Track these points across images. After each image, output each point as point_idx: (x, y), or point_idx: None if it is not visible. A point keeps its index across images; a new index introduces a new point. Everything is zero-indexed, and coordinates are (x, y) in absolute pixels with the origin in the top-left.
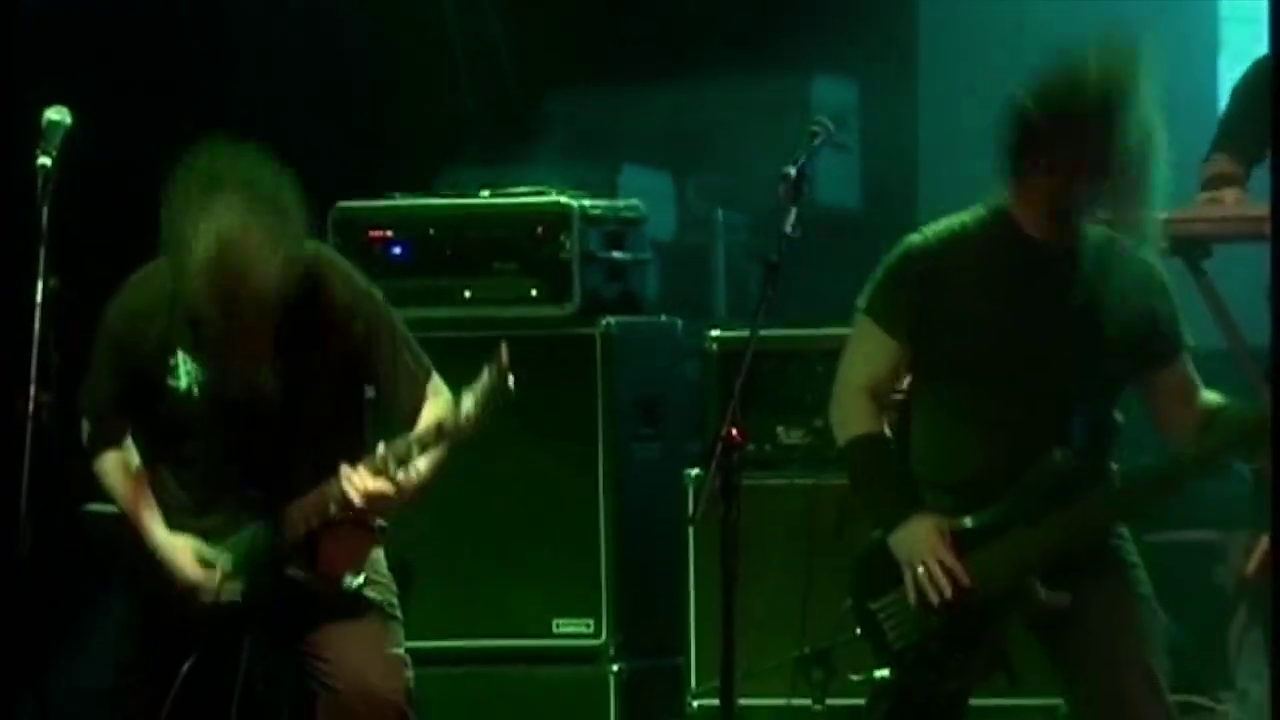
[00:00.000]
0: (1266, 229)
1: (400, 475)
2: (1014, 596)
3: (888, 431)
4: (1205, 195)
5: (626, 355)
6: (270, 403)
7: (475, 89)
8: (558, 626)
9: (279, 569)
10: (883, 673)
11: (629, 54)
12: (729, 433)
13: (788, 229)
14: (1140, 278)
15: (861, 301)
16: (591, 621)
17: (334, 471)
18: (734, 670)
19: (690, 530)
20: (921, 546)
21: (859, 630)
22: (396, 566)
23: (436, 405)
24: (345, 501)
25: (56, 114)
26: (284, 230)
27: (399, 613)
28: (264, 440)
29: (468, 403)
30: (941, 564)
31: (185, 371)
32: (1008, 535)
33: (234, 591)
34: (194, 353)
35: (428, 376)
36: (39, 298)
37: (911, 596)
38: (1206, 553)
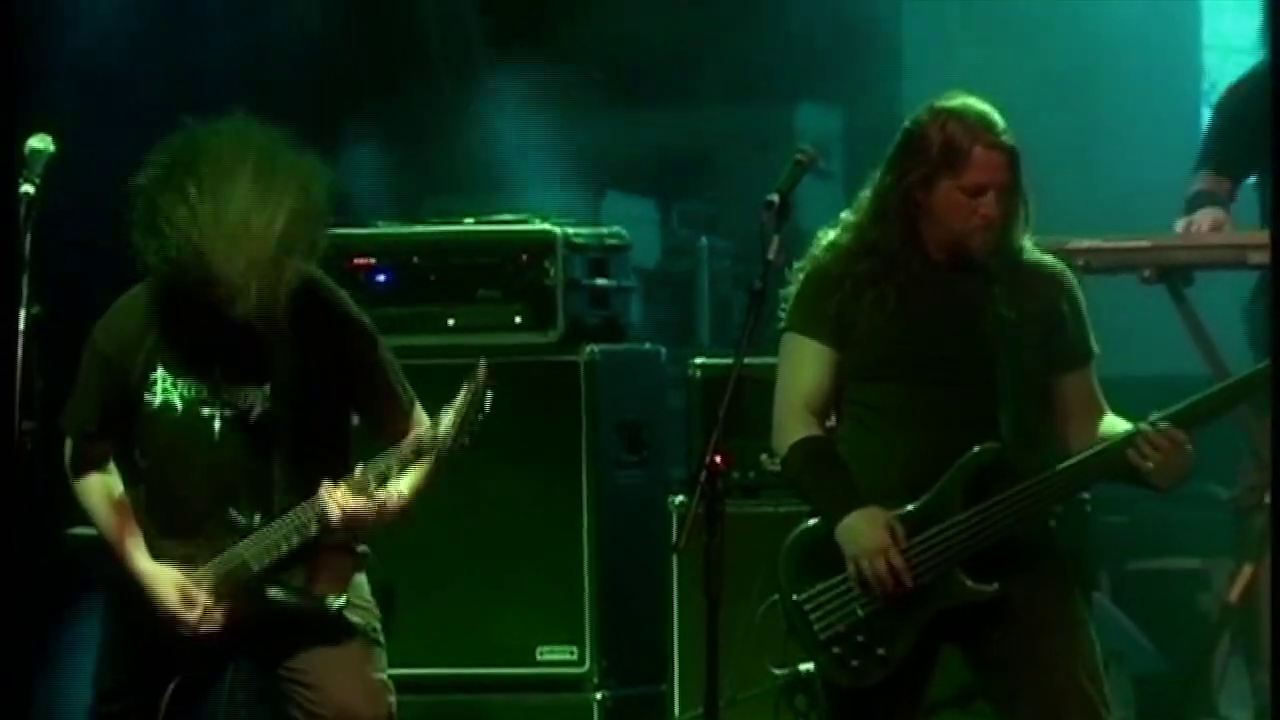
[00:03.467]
0: (1248, 256)
1: (380, 494)
2: (939, 586)
3: (825, 433)
4: (1184, 219)
5: (610, 382)
6: (256, 423)
7: (461, 112)
8: (541, 654)
9: (261, 590)
10: (807, 665)
11: (615, 81)
12: (713, 460)
13: (771, 256)
14: (1048, 281)
15: (784, 323)
16: (575, 649)
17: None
18: (718, 697)
19: (674, 557)
20: (866, 541)
21: (787, 625)
22: (379, 592)
23: (417, 431)
24: (325, 520)
25: (39, 142)
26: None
27: (381, 637)
28: (247, 461)
29: (445, 420)
30: (887, 559)
31: (164, 389)
32: (936, 525)
33: (215, 622)
34: (178, 371)
35: (412, 405)
36: (21, 325)
37: (855, 587)
38: (1190, 581)
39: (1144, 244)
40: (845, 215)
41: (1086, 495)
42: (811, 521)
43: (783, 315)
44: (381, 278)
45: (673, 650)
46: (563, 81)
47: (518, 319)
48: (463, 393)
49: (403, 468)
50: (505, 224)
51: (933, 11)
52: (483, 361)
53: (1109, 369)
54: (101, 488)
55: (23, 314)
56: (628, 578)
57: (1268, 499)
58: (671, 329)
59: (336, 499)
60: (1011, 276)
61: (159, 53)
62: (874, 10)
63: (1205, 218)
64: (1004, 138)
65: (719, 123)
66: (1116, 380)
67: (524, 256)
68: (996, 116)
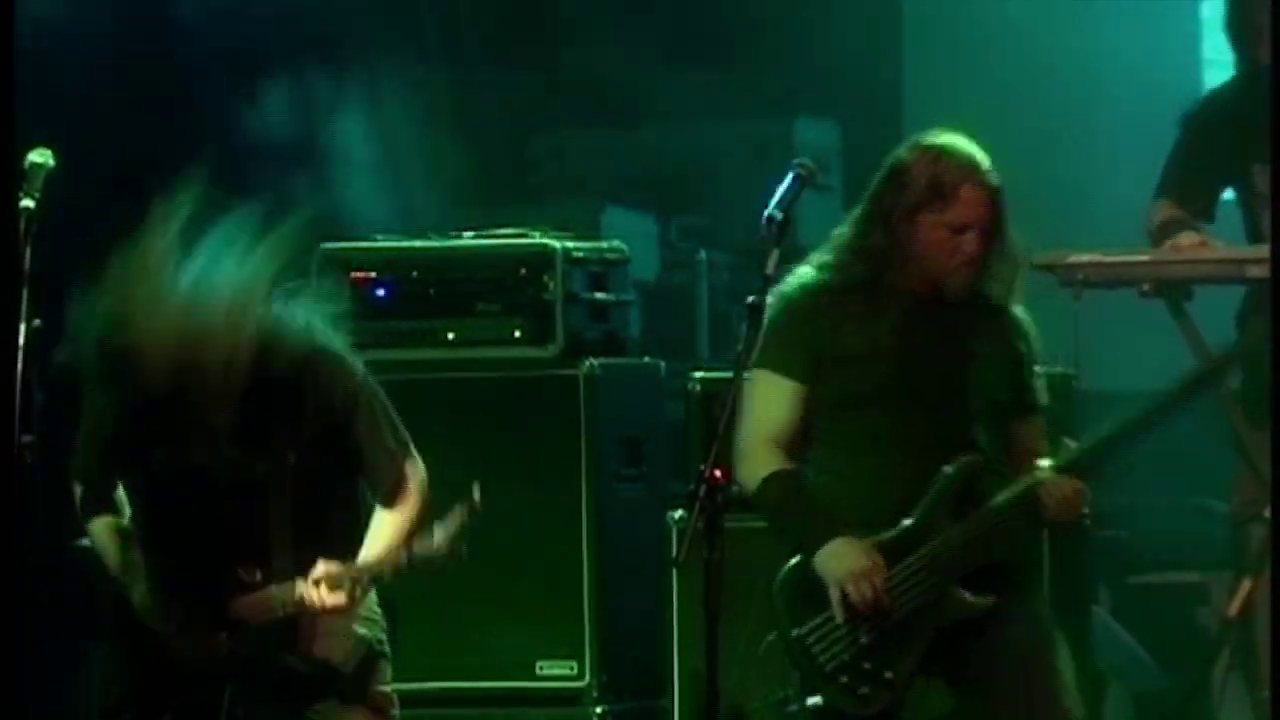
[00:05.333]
0: (1247, 270)
1: (355, 593)
2: (936, 603)
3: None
4: (1169, 242)
5: (609, 396)
6: (252, 482)
7: (460, 129)
8: (541, 668)
9: (265, 646)
10: (815, 700)
11: (612, 95)
12: (712, 474)
13: (770, 270)
14: (1015, 327)
15: (755, 358)
16: (575, 663)
17: (317, 550)
18: (718, 712)
19: (673, 571)
20: (848, 563)
21: (789, 660)
22: (381, 606)
23: (404, 504)
24: (306, 608)
25: (39, 156)
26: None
27: (388, 649)
28: (247, 520)
29: (439, 537)
30: (870, 580)
31: (165, 446)
32: (926, 543)
33: (219, 647)
34: (178, 431)
35: (405, 453)
36: (21, 339)
37: (839, 615)
38: (1189, 595)
39: (1143, 258)
40: (821, 252)
41: (1086, 510)
42: (796, 559)
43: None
44: (381, 292)
45: (672, 664)
46: (564, 95)
47: (517, 333)
48: (456, 514)
49: (394, 573)
50: (504, 238)
51: (933, 27)
52: (476, 487)
53: (1108, 383)
54: (110, 526)
55: (22, 328)
56: (627, 592)
57: (1266, 513)
58: (671, 343)
59: (314, 594)
60: (983, 315)
61: (154, 67)
62: (873, 26)
63: (1184, 239)
64: (990, 177)
65: (718, 137)
66: (1116, 395)
67: (523, 270)
68: (983, 156)
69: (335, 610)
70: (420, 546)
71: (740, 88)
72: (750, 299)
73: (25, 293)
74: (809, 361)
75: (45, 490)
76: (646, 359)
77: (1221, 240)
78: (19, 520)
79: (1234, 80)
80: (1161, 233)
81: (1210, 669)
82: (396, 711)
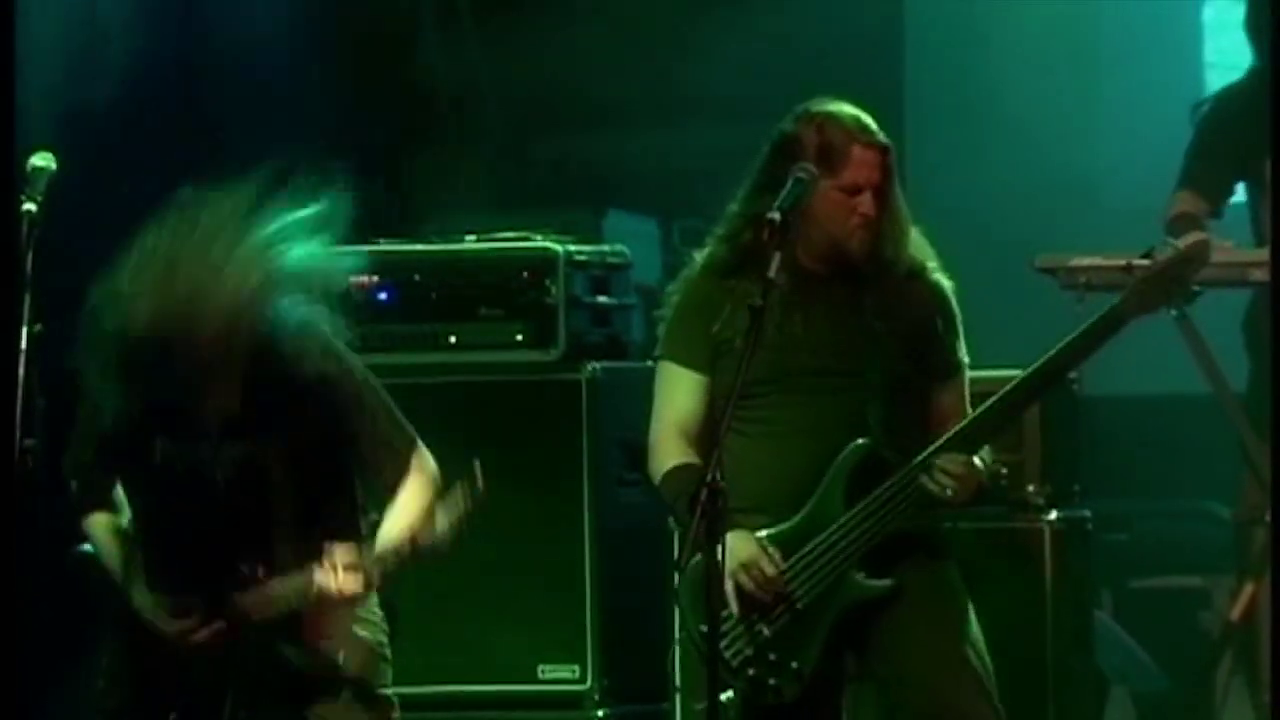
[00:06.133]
0: (1250, 274)
1: (376, 578)
2: (836, 589)
3: (698, 460)
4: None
5: (611, 400)
6: (253, 476)
7: (461, 134)
8: (543, 672)
9: (271, 645)
10: (727, 694)
11: (615, 99)
12: (713, 478)
13: (772, 274)
14: (921, 291)
15: (658, 350)
16: (577, 667)
17: (319, 543)
18: (719, 716)
19: (675, 575)
20: (738, 555)
21: (697, 657)
22: (382, 608)
23: (416, 492)
24: (323, 596)
25: (41, 160)
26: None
27: (388, 652)
28: (248, 516)
29: (442, 522)
30: (758, 570)
31: (162, 442)
32: (821, 532)
33: (215, 629)
34: (176, 424)
35: (410, 447)
36: (23, 343)
37: (734, 606)
38: (1191, 598)
39: (1144, 262)
40: (715, 232)
41: (1088, 513)
42: (695, 558)
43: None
44: (383, 295)
45: (674, 668)
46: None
47: (519, 337)
48: (459, 495)
49: (399, 561)
50: (506, 242)
51: (933, 29)
52: (477, 464)
53: (1110, 387)
54: (105, 524)
55: (24, 332)
56: (629, 595)
57: (1269, 517)
58: None
59: (334, 580)
60: (884, 285)
61: (161, 70)
62: (875, 27)
63: (1189, 239)
64: (879, 136)
65: (720, 140)
66: (1118, 399)
67: (525, 274)
68: (868, 118)
69: (352, 598)
70: (425, 534)
71: (743, 90)
72: (752, 302)
73: (27, 297)
74: (706, 351)
75: (47, 495)
76: (649, 363)
77: (1233, 242)
78: (20, 525)
79: (1249, 76)
80: (1173, 227)
81: (1212, 673)
82: (397, 715)
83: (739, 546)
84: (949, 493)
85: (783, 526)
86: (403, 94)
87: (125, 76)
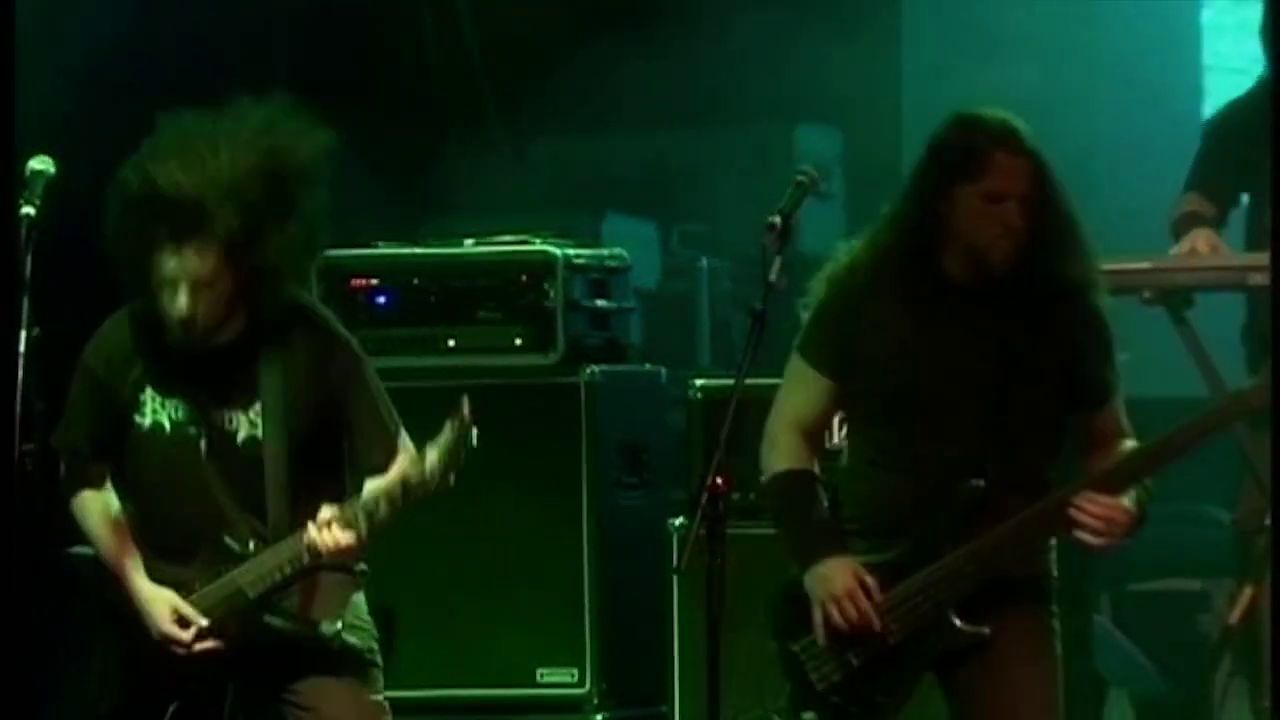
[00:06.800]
0: (1249, 278)
1: (366, 528)
2: (932, 630)
3: (817, 471)
4: (1184, 243)
5: (610, 403)
6: (244, 446)
7: (460, 136)
8: (542, 676)
9: (257, 616)
10: (809, 715)
11: (613, 101)
12: (714, 481)
13: (773, 278)
14: (1072, 311)
15: (796, 340)
16: (576, 670)
17: (310, 516)
18: (719, 719)
19: (675, 579)
20: (833, 586)
21: (784, 672)
22: (379, 614)
23: (403, 460)
24: (315, 554)
25: (40, 163)
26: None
27: (379, 659)
28: (237, 485)
29: (431, 458)
30: (854, 604)
31: (153, 410)
32: (924, 568)
33: (209, 645)
34: (166, 392)
35: (399, 432)
36: (21, 347)
37: (820, 637)
38: (1191, 601)
39: (1144, 266)
40: (867, 233)
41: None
42: (793, 574)
43: (790, 334)
44: (382, 299)
45: (673, 672)
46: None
47: (518, 340)
48: (447, 430)
49: (390, 506)
50: (505, 245)
51: (932, 34)
52: (465, 398)
53: None
54: (98, 506)
55: (23, 336)
56: (629, 599)
57: (1269, 521)
58: (672, 350)
59: (328, 535)
60: (1034, 304)
61: (158, 72)
62: (873, 32)
63: (1200, 238)
64: (1027, 144)
65: (719, 144)
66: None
67: (524, 278)
68: (1020, 124)
69: (348, 550)
70: (414, 473)
71: (742, 94)
72: (753, 306)
73: (26, 301)
74: (841, 359)
75: (46, 498)
76: (647, 366)
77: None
78: (19, 529)
79: (1260, 86)
80: (1180, 226)
81: (1211, 676)
82: None
83: (836, 575)
84: (1091, 536)
85: (884, 556)
86: (403, 94)
87: (126, 76)
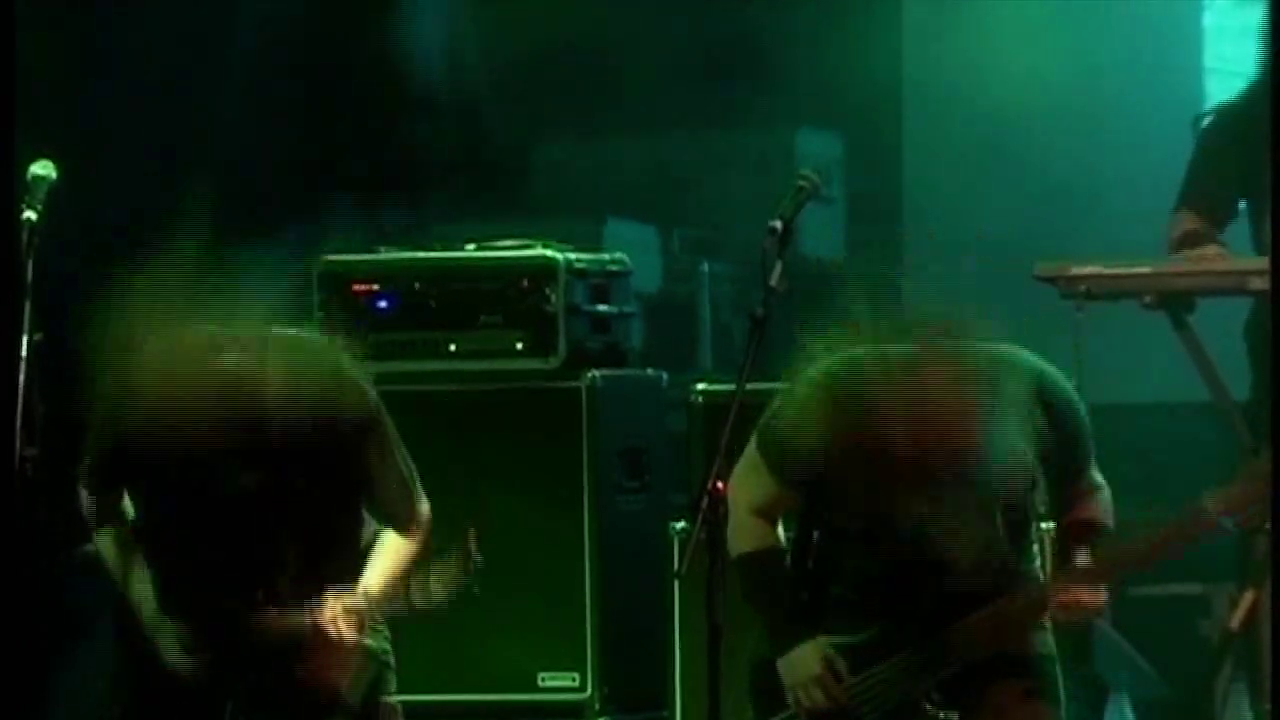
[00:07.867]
0: (1249, 283)
1: (369, 623)
2: (906, 712)
3: (781, 540)
4: (1192, 254)
5: (611, 408)
6: (255, 500)
7: (460, 142)
8: (543, 680)
9: (272, 662)
10: None
11: (614, 107)
12: (714, 485)
13: (774, 282)
14: (1048, 392)
15: (756, 431)
16: (577, 675)
17: (320, 579)
18: (719, 715)
19: (675, 583)
20: (799, 674)
21: None
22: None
23: (416, 540)
24: (323, 637)
25: (41, 168)
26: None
27: (393, 660)
28: (250, 539)
29: (437, 585)
30: (823, 690)
31: (168, 458)
32: (897, 652)
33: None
34: (182, 442)
35: (415, 486)
36: (23, 351)
37: (803, 717)
38: (1191, 606)
39: (1145, 270)
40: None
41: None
42: (762, 655)
43: (790, 337)
44: (383, 304)
45: (674, 676)
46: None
47: (519, 345)
48: (453, 562)
49: (392, 614)
50: (507, 250)
51: (932, 38)
52: (473, 533)
53: (1112, 396)
54: (114, 539)
55: (25, 340)
56: (629, 604)
57: (1269, 524)
58: (673, 354)
59: (335, 627)
60: (1003, 391)
61: (161, 76)
62: (874, 36)
63: (1210, 249)
64: None
65: (720, 148)
66: (1118, 408)
67: (525, 282)
68: None
69: (349, 644)
70: (419, 594)
71: (742, 99)
72: (754, 311)
73: (28, 305)
74: (796, 473)
75: (48, 503)
76: (648, 370)
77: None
78: (21, 533)
79: (1250, 90)
80: (1180, 245)
81: (1212, 680)
82: None
83: (805, 660)
84: (1064, 618)
85: (857, 638)
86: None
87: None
